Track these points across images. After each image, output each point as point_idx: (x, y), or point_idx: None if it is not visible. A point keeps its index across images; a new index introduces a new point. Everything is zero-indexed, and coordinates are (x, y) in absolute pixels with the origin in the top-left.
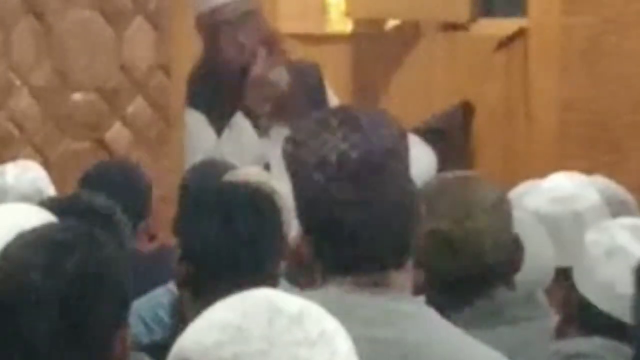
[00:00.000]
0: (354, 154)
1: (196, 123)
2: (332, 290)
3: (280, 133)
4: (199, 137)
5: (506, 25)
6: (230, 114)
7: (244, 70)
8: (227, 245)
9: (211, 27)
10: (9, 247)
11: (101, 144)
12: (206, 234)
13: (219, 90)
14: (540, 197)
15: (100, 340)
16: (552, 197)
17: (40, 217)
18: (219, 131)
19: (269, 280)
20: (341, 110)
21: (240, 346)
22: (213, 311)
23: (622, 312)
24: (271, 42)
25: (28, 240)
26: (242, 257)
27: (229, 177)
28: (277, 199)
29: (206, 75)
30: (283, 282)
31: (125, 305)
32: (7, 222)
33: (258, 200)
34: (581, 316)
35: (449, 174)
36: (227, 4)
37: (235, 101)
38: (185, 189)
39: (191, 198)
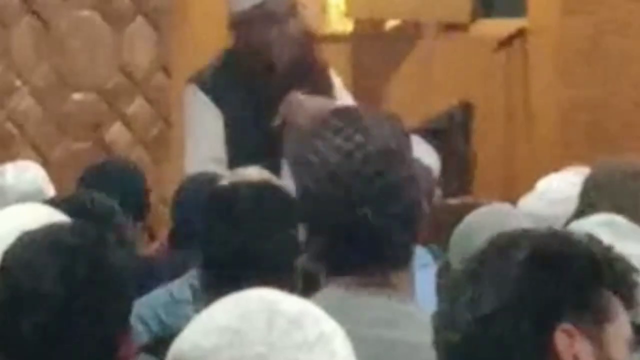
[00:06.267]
0: (357, 155)
1: (202, 106)
2: (335, 290)
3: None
4: (203, 120)
5: (506, 25)
6: (265, 109)
7: (292, 63)
8: (242, 246)
9: (253, 22)
10: (15, 248)
11: (101, 144)
12: (219, 239)
13: (250, 88)
14: (537, 199)
15: (108, 342)
16: (549, 199)
17: (43, 216)
18: (243, 129)
19: (289, 276)
20: (345, 111)
21: (239, 350)
22: (211, 313)
23: None
24: (310, 38)
25: (37, 243)
26: (257, 255)
27: (230, 177)
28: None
29: (235, 72)
30: None
31: (129, 307)
32: (9, 223)
33: (265, 197)
34: None
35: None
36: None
37: (278, 92)
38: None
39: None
